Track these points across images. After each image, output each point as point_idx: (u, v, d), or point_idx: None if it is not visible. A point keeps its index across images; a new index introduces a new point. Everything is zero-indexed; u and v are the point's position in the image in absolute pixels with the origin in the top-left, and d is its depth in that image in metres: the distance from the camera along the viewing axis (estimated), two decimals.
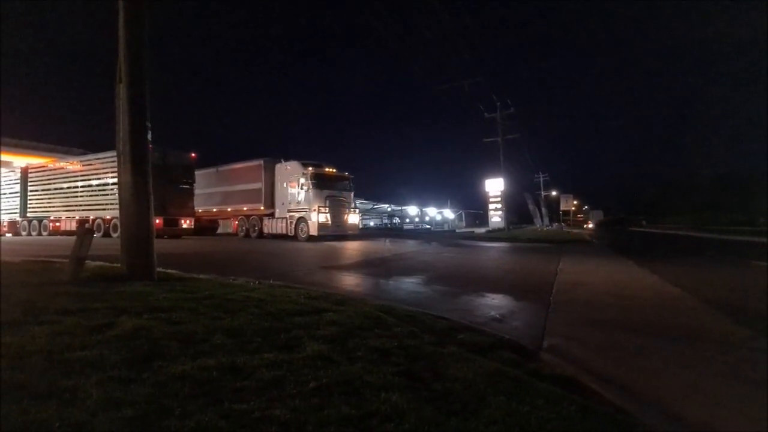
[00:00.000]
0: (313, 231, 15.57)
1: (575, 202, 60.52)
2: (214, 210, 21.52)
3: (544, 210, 54.95)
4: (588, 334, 3.85)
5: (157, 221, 16.50)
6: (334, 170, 17.52)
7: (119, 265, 5.20)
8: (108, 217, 17.46)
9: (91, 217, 18.21)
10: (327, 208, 15.78)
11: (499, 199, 32.02)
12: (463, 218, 49.88)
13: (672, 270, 8.83)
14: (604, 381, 2.61)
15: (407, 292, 5.83)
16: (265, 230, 18.34)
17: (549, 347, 3.31)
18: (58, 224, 19.92)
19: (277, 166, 17.98)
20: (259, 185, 18.60)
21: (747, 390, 2.58)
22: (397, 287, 6.28)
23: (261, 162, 18.68)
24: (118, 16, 4.92)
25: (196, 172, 20.74)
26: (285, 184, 17.39)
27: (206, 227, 22.99)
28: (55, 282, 4.55)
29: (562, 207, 28.85)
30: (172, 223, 17.71)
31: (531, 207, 53.40)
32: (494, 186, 32.22)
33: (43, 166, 21.29)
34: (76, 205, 19.07)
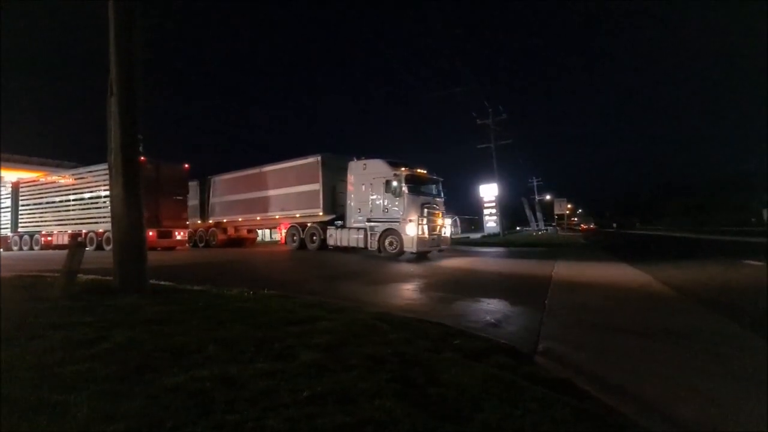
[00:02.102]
0: (409, 246, 12.46)
1: (569, 206, 60.94)
2: (258, 218, 18.49)
3: (539, 214, 55.32)
4: (583, 337, 3.87)
5: (151, 233, 16.40)
6: (425, 171, 14.14)
7: (112, 278, 5.16)
8: (101, 230, 17.32)
9: (84, 231, 18.04)
10: (425, 219, 12.71)
11: (493, 204, 32.17)
12: (458, 224, 49.98)
13: (666, 271, 8.90)
14: (598, 383, 2.62)
15: (402, 299, 5.83)
16: (331, 241, 15.01)
17: (544, 350, 3.31)
18: (50, 238, 19.70)
19: (351, 164, 14.44)
20: (317, 186, 15.45)
21: (740, 388, 2.59)
22: (392, 294, 6.27)
23: (318, 158, 15.52)
24: (108, 29, 4.95)
25: (230, 177, 19.97)
26: (363, 187, 13.93)
27: (244, 238, 21.64)
28: (46, 297, 4.51)
29: (556, 211, 29.02)
30: (166, 235, 17.60)
31: (528, 212, 53.79)
32: (488, 191, 32.38)
33: (35, 180, 21.12)
34: (68, 219, 18.90)
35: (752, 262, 10.22)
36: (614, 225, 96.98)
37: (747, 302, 5.38)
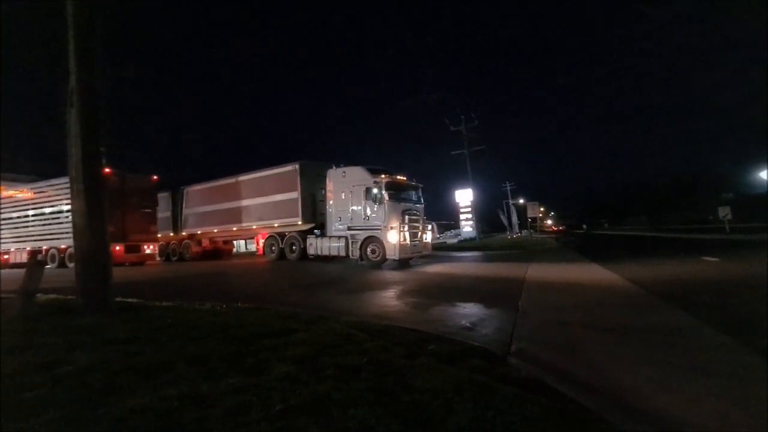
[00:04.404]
0: (391, 253, 12.39)
1: (542, 209, 62.94)
2: (234, 229, 18.01)
3: (513, 218, 56.70)
4: (554, 337, 3.98)
5: (118, 248, 15.75)
6: (405, 178, 14.14)
7: (74, 296, 4.92)
8: (63, 246, 16.51)
9: (45, 248, 17.15)
10: (406, 226, 12.67)
11: (469, 209, 32.72)
12: (435, 230, 50.49)
13: (632, 269, 9.30)
14: (568, 381, 2.71)
15: (379, 306, 5.82)
16: (311, 250, 14.77)
17: (517, 351, 3.39)
18: (6, 257, 18.60)
19: (330, 172, 14.23)
20: (295, 195, 15.25)
21: (706, 382, 2.70)
22: (370, 302, 6.26)
23: (296, 166, 15.35)
24: (68, 36, 4.78)
25: (204, 187, 19.38)
26: (343, 195, 13.77)
27: (220, 250, 20.96)
28: (2, 319, 4.25)
29: (529, 214, 29.94)
30: (133, 249, 16.95)
31: (504, 219, 55.22)
32: (464, 197, 32.92)
33: None
34: (28, 236, 17.91)
35: (708, 259, 10.84)
36: (584, 226, 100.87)
37: (705, 297, 5.70)
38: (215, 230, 18.91)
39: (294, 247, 15.73)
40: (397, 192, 13.22)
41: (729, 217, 27.95)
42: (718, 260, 10.40)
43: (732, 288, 6.34)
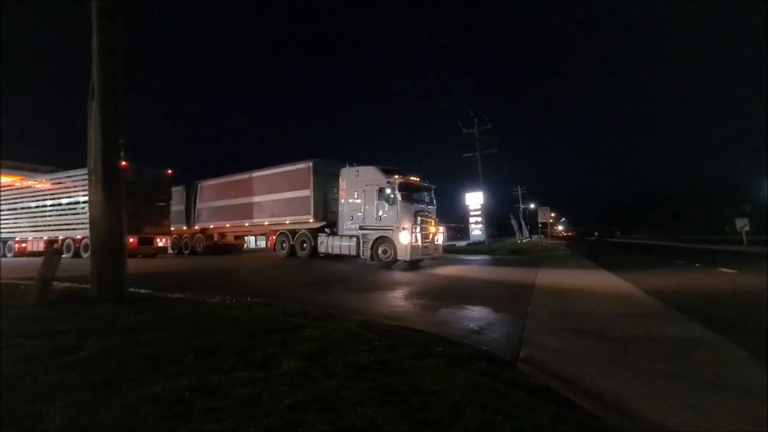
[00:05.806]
0: (402, 254, 12.32)
1: (553, 215, 62.26)
2: (246, 224, 18.13)
3: (523, 223, 56.21)
4: (564, 344, 3.93)
5: (131, 240, 16.02)
6: (418, 179, 14.07)
7: (89, 286, 5.02)
8: (78, 236, 16.85)
9: (61, 237, 17.53)
10: (418, 227, 12.58)
11: (479, 212, 32.51)
12: (444, 232, 50.28)
13: (645, 278, 9.13)
14: (577, 389, 2.68)
15: (388, 307, 5.82)
16: (321, 249, 14.81)
17: (525, 357, 3.36)
18: (24, 245, 19.06)
19: (343, 171, 14.23)
20: (308, 192, 15.28)
21: (715, 395, 2.65)
22: (379, 302, 6.26)
23: (310, 164, 15.37)
24: (92, 31, 4.88)
25: (218, 182, 19.60)
26: (356, 194, 13.78)
27: (231, 245, 21.15)
28: (19, 305, 4.36)
29: (540, 219, 29.59)
30: (147, 241, 17.22)
31: (514, 224, 54.88)
32: (474, 200, 32.74)
33: (9, 185, 20.44)
34: (45, 225, 18.34)
35: (725, 270, 10.59)
36: (596, 234, 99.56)
37: (722, 310, 5.56)
38: (227, 225, 19.07)
39: (305, 245, 15.77)
40: (409, 193, 13.16)
41: (747, 228, 27.25)
42: (736, 272, 10.15)
43: (750, 301, 6.17)
